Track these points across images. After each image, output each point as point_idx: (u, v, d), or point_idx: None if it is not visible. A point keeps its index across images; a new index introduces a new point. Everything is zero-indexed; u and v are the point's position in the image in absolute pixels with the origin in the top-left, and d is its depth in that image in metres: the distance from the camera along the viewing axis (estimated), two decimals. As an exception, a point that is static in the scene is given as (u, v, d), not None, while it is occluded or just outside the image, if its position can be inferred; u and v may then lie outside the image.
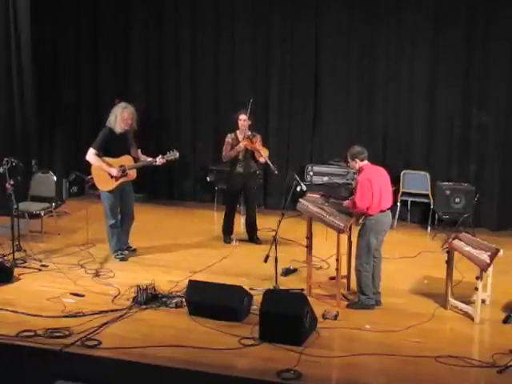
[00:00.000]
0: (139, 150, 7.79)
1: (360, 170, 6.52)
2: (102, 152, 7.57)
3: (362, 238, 6.46)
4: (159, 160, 7.72)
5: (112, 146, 7.58)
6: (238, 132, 8.43)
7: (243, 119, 8.29)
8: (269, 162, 8.23)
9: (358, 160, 6.50)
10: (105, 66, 11.01)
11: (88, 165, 7.70)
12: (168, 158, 7.77)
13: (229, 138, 8.43)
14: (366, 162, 6.53)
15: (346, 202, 6.70)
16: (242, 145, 8.29)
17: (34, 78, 9.94)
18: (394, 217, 9.31)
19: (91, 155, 7.56)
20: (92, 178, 7.77)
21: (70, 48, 10.93)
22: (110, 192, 7.64)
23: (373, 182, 6.36)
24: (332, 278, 6.92)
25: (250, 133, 8.34)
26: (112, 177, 7.58)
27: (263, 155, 8.25)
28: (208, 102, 10.63)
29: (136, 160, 7.71)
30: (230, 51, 10.42)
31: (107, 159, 7.59)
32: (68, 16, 10.86)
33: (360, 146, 6.62)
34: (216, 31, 10.44)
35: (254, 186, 8.63)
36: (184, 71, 10.68)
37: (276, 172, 8.25)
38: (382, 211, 6.43)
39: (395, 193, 9.46)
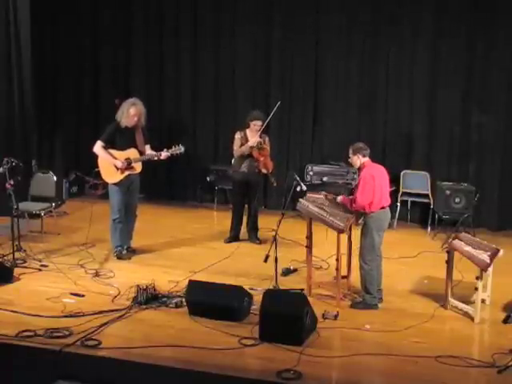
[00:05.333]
0: (148, 146, 7.81)
1: (361, 167, 6.58)
2: (109, 145, 7.64)
3: (366, 236, 6.48)
4: (164, 154, 7.74)
5: (118, 140, 7.64)
6: (247, 131, 8.37)
7: (258, 125, 8.27)
8: (269, 176, 8.46)
9: (360, 156, 6.55)
10: (105, 66, 11.00)
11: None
12: (173, 152, 7.78)
13: (238, 135, 8.41)
14: (367, 158, 6.58)
15: (340, 198, 6.71)
16: (250, 144, 8.25)
17: (34, 77, 9.94)
18: (394, 217, 9.36)
19: (98, 147, 7.64)
20: (98, 171, 7.82)
21: (70, 48, 10.92)
22: (116, 185, 7.68)
23: (375, 179, 6.42)
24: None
25: (261, 140, 8.30)
26: (118, 169, 7.62)
27: (267, 167, 8.37)
28: (208, 101, 10.62)
29: (142, 154, 7.73)
30: (231, 51, 10.40)
31: (113, 152, 7.65)
32: (68, 16, 10.85)
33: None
34: (216, 31, 10.43)
35: (256, 188, 8.57)
36: (184, 72, 10.66)
37: (275, 184, 8.52)
38: (382, 208, 6.48)
39: (395, 192, 9.51)
